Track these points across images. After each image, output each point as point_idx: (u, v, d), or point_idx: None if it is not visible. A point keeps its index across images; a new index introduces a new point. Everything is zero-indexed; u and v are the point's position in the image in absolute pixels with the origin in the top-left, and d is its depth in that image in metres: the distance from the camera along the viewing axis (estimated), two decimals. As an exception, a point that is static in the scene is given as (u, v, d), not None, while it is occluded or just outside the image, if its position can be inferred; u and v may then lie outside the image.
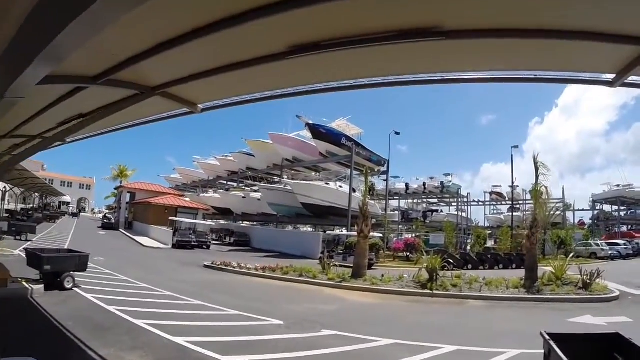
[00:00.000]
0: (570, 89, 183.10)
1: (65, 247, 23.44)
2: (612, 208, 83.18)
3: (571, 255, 30.08)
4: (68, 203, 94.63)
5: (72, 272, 14.80)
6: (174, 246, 38.79)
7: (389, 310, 15.53)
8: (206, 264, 25.76)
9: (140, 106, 10.36)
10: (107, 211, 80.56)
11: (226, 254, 35.52)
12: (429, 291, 18.33)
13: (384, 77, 9.11)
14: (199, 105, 10.69)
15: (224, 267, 24.61)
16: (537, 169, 22.28)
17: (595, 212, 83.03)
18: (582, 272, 19.23)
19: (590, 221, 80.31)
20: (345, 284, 19.74)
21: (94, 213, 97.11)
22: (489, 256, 35.89)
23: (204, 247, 41.02)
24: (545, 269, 21.78)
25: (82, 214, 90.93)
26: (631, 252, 48.84)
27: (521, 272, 23.40)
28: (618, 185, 77.37)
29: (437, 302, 17.13)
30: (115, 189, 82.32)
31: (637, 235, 66.91)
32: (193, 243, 40.12)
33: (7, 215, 46.41)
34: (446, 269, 21.89)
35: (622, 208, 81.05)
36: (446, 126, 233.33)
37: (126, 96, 10.08)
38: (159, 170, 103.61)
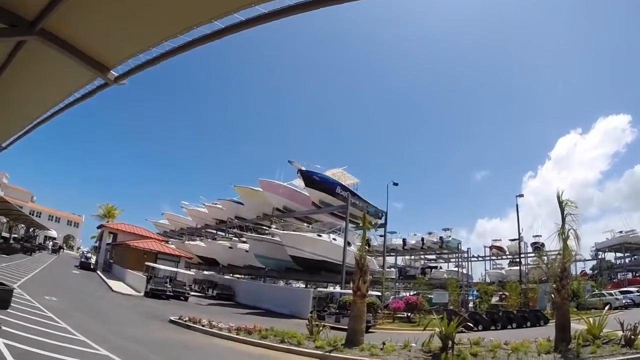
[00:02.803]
0: (562, 140, 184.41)
1: (22, 282, 23.06)
2: (615, 255, 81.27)
3: (605, 307, 26.46)
4: (54, 238, 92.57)
5: None
6: (147, 294, 35.54)
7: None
8: (172, 318, 22.04)
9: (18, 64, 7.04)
10: (87, 251, 78.54)
11: (204, 309, 33.05)
12: (444, 364, 14.43)
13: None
14: (112, 71, 7.43)
15: (191, 324, 20.74)
16: (562, 209, 18.53)
17: (597, 261, 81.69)
18: (623, 326, 15.74)
19: (591, 271, 78.72)
20: (337, 355, 15.54)
21: (79, 251, 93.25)
22: (501, 314, 32.28)
23: (181, 298, 37.42)
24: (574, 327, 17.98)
25: (66, 251, 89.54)
26: (646, 298, 46.48)
27: (538, 331, 20.81)
28: (621, 232, 76.35)
29: (458, 381, 13.28)
30: (97, 227, 78.85)
31: (644, 281, 64.72)
32: (168, 293, 36.50)
33: None
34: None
35: (627, 254, 78.60)
36: (441, 183, 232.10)
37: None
38: (152, 215, 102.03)
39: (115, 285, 39.32)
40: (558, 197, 18.67)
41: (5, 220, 64.47)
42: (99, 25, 6.92)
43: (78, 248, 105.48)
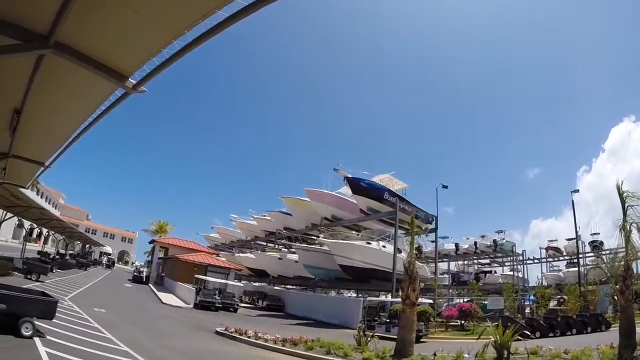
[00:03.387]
0: (616, 130, 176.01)
1: (73, 295, 23.23)
2: None
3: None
4: (109, 254, 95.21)
5: (33, 318, 12.67)
6: (196, 306, 35.73)
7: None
8: (218, 329, 21.87)
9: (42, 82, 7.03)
10: (140, 265, 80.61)
11: (253, 319, 33.04)
12: (499, 377, 13.61)
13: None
14: (129, 79, 7.28)
15: (237, 335, 20.49)
16: (623, 202, 17.09)
17: None
18: None
19: None
20: (385, 367, 15.09)
21: (133, 266, 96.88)
22: (559, 320, 30.68)
23: (231, 309, 37.47)
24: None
25: (120, 266, 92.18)
26: None
27: (600, 337, 19.91)
28: None
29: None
30: (149, 242, 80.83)
31: None
32: (217, 304, 36.59)
33: (37, 255, 45.18)
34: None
35: None
36: (492, 185, 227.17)
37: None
38: (203, 229, 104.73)
39: (166, 297, 39.75)
40: (618, 189, 17.31)
41: (61, 237, 66.52)
42: (109, 32, 6.86)
43: (132, 263, 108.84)
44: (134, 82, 8.19)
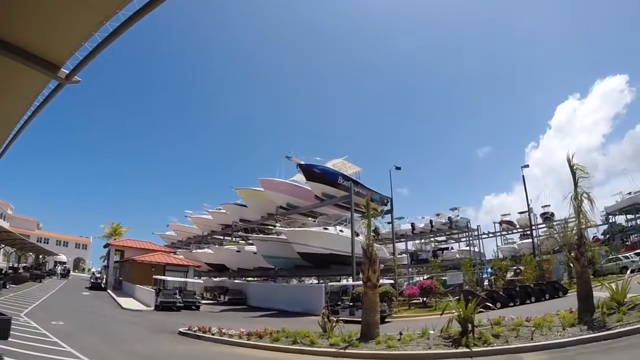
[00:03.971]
0: (562, 107, 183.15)
1: (29, 309, 22.55)
2: (626, 217, 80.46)
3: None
4: (64, 262, 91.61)
5: None
6: (157, 308, 35.01)
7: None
8: (181, 330, 21.28)
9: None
10: (97, 271, 78.49)
11: (216, 316, 32.61)
12: (465, 349, 13.50)
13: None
14: (62, 69, 6.76)
15: (201, 334, 19.97)
16: (574, 174, 17.65)
17: (609, 225, 79.82)
18: None
19: (603, 236, 77.51)
20: (353, 351, 14.77)
21: (91, 273, 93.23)
22: (518, 289, 31.33)
23: (193, 307, 37.02)
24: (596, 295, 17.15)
25: (76, 273, 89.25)
26: (663, 258, 45.82)
27: (558, 303, 20.78)
28: (630, 193, 75.04)
29: (482, 365, 12.48)
30: (104, 247, 78.33)
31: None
32: (179, 304, 35.84)
33: None
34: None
35: (638, 215, 77.62)
36: (444, 165, 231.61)
37: None
38: (158, 228, 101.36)
39: (125, 302, 38.76)
40: (569, 161, 17.83)
41: (12, 250, 64.44)
42: (37, 18, 6.28)
43: (89, 270, 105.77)
44: (67, 71, 7.68)
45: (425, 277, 46.17)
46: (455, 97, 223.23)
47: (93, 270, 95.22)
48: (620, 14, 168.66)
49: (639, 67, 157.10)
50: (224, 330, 19.78)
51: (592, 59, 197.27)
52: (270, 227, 54.44)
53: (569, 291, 30.73)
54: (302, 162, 44.34)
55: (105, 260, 73.60)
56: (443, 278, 40.92)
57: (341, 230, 43.72)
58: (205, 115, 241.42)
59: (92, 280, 59.31)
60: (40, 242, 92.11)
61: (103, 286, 57.84)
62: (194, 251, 64.73)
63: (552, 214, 79.92)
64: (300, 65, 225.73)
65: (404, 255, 75.35)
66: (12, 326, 13.00)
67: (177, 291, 37.88)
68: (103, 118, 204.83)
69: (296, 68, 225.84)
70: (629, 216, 78.58)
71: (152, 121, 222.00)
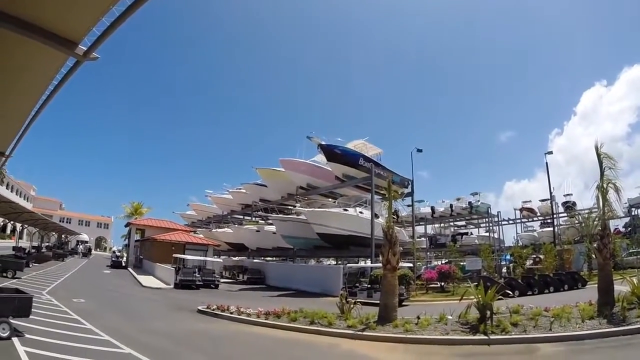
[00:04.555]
0: (587, 94, 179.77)
1: (51, 287, 22.70)
2: None
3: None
4: (86, 241, 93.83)
5: (9, 318, 12.20)
6: (176, 286, 35.28)
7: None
8: (200, 308, 21.50)
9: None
10: (118, 250, 79.58)
11: (235, 295, 32.58)
12: (483, 336, 13.45)
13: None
14: (80, 46, 6.68)
15: (219, 312, 20.17)
16: (601, 162, 17.37)
17: (631, 218, 78.74)
18: None
19: (624, 229, 76.60)
20: (370, 333, 14.79)
21: (112, 251, 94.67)
22: (537, 278, 31.14)
23: (211, 286, 37.26)
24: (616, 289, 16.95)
25: (97, 252, 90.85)
26: (688, 254, 45.20)
27: (577, 294, 20.68)
28: None
29: (498, 353, 12.31)
30: (125, 226, 79.32)
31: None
32: (198, 282, 36.24)
33: (12, 252, 44.94)
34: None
35: None
36: (466, 148, 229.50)
37: None
38: (179, 208, 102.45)
39: (145, 280, 39.26)
40: (597, 149, 17.57)
41: (35, 230, 66.21)
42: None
43: (110, 248, 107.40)
44: (85, 48, 7.59)
45: (443, 262, 46.03)
46: (479, 80, 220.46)
47: (114, 249, 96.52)
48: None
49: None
50: (242, 309, 19.93)
51: (620, 45, 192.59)
52: (290, 207, 54.33)
53: (589, 283, 30.53)
54: (323, 143, 44.06)
55: (126, 239, 74.86)
56: (462, 263, 40.67)
57: (361, 212, 43.40)
58: (228, 95, 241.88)
59: (113, 259, 60.48)
60: (63, 221, 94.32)
61: (124, 265, 58.82)
62: (213, 230, 65.27)
63: (574, 203, 78.57)
64: (323, 48, 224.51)
65: (422, 239, 74.89)
66: (34, 304, 13.41)
67: (197, 270, 38.19)
68: (125, 96, 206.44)
69: (319, 50, 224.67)
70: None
71: (174, 102, 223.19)
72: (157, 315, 20.59)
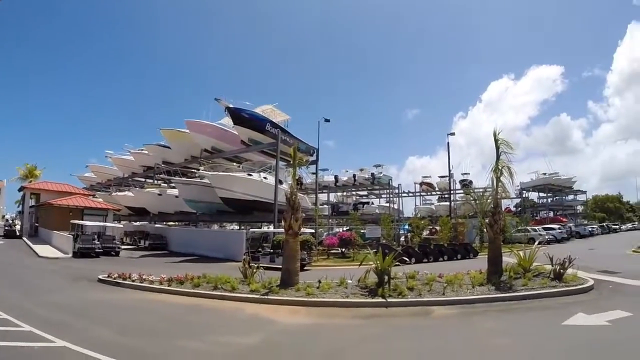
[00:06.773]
0: (495, 84, 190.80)
1: None
2: (538, 195, 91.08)
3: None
4: None
5: None
6: (75, 255, 33.64)
7: (335, 336, 10.91)
8: (101, 277, 20.68)
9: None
10: (12, 217, 74.11)
11: (136, 262, 31.77)
12: (381, 299, 14.12)
13: None
14: None
15: (121, 280, 19.53)
16: (497, 147, 18.73)
17: (522, 199, 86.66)
18: (552, 260, 16.96)
19: (514, 208, 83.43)
20: (273, 297, 15.03)
21: (4, 219, 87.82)
22: (432, 248, 33.26)
23: (112, 253, 35.96)
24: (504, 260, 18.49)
25: None
26: (565, 235, 52.03)
27: (469, 263, 22.26)
28: (545, 174, 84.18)
29: (396, 315, 12.97)
30: (18, 190, 72.53)
31: (564, 220, 70.94)
32: (98, 250, 34.74)
33: None
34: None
35: (549, 195, 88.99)
36: (372, 121, 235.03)
37: None
38: (77, 170, 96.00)
39: (42, 249, 36.89)
40: (495, 135, 18.97)
41: None
42: None
43: (2, 216, 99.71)
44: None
45: (344, 229, 47.28)
46: (392, 56, 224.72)
47: (7, 216, 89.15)
48: (565, 8, 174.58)
49: (574, 61, 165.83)
50: (144, 277, 19.47)
51: (534, 44, 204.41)
52: (193, 170, 53.36)
53: (480, 254, 33.10)
54: (231, 106, 43.33)
55: (20, 205, 69.20)
56: (362, 231, 42.05)
57: (265, 178, 43.59)
58: (136, 52, 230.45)
59: (5, 228, 55.80)
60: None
61: (18, 234, 54.91)
62: (113, 194, 62.92)
63: (471, 182, 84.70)
64: (239, 15, 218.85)
65: (325, 206, 76.50)
66: None
67: (96, 237, 36.58)
68: (16, 52, 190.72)
69: (233, 17, 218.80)
70: (541, 194, 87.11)
71: (68, 55, 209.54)
72: (56, 287, 19.40)
